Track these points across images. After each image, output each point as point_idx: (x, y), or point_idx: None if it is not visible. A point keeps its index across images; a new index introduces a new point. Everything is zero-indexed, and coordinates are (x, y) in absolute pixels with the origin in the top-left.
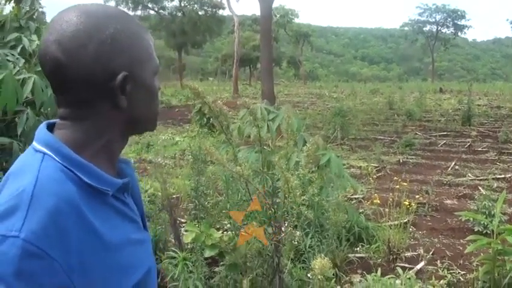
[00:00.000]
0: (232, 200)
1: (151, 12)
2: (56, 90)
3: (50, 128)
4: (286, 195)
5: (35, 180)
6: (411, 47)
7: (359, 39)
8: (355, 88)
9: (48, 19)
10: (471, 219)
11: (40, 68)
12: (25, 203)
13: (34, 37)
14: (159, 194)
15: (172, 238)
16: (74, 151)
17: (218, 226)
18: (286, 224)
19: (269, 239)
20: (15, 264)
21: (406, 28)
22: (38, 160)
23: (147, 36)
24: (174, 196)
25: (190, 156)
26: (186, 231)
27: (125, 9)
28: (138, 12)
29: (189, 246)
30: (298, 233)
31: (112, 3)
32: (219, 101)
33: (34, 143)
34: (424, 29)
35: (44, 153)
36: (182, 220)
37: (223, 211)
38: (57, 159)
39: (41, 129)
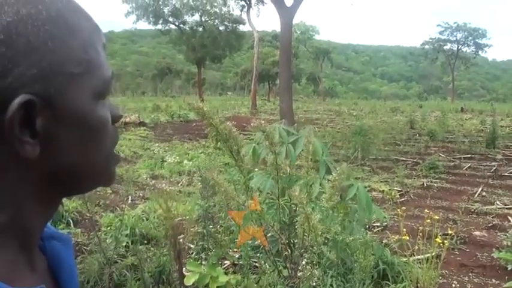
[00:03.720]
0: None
1: (172, 26)
2: None
3: None
4: (306, 234)
5: None
6: (431, 65)
7: (379, 56)
8: (375, 106)
9: None
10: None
11: None
12: None
13: None
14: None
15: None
16: None
17: (227, 259)
18: (303, 262)
19: (284, 284)
20: None
21: (426, 46)
22: None
23: (89, 30)
24: (181, 219)
25: (199, 180)
26: (188, 271)
27: (146, 23)
28: (159, 27)
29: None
30: (316, 272)
31: (133, 17)
32: (228, 123)
33: None
34: (445, 47)
35: None
36: (191, 246)
37: (235, 240)
38: None
39: None
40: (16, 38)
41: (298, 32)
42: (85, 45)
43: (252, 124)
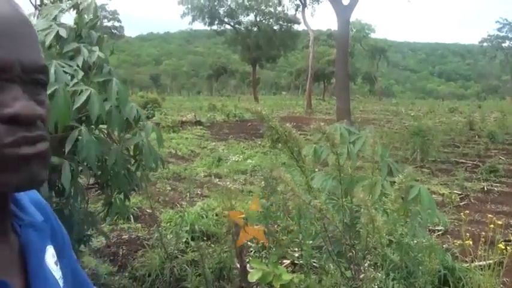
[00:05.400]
0: (306, 231)
1: (227, 26)
2: None
3: None
4: (370, 235)
5: None
6: (490, 63)
7: (436, 54)
8: (433, 106)
9: (126, 33)
10: None
11: (98, 80)
12: None
13: (95, 48)
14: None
15: (237, 265)
16: None
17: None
18: (366, 264)
19: (347, 285)
20: None
21: (484, 44)
22: None
23: None
24: (241, 216)
25: (261, 177)
26: (251, 268)
27: (201, 24)
28: (214, 27)
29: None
30: (379, 275)
31: (189, 18)
32: (287, 124)
33: None
34: (503, 44)
35: None
36: (250, 244)
37: (295, 240)
38: None
39: None
40: None
41: (354, 30)
42: None
43: (311, 126)
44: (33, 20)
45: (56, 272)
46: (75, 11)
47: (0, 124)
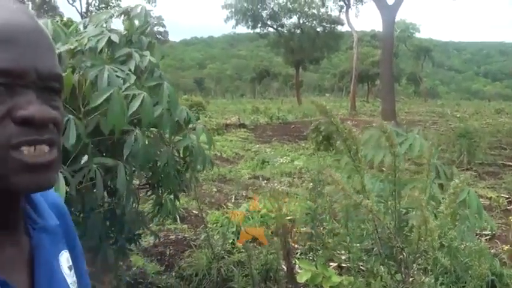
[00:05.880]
0: (354, 234)
1: (270, 29)
2: None
3: None
4: (422, 238)
5: None
6: None
7: (481, 54)
8: (480, 107)
9: (170, 38)
10: None
11: (150, 84)
12: None
13: (146, 53)
14: (272, 214)
15: (284, 267)
16: None
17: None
18: (415, 267)
19: None
20: None
21: None
22: None
23: None
24: (287, 218)
25: (308, 178)
26: (300, 268)
27: (244, 28)
28: (257, 30)
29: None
30: (427, 279)
31: (232, 22)
32: (348, 122)
33: None
34: None
35: None
36: (295, 246)
37: (342, 242)
38: None
39: None
40: None
41: (398, 30)
42: None
43: (374, 124)
44: (81, 27)
45: (69, 277)
46: (123, 17)
47: (13, 125)
